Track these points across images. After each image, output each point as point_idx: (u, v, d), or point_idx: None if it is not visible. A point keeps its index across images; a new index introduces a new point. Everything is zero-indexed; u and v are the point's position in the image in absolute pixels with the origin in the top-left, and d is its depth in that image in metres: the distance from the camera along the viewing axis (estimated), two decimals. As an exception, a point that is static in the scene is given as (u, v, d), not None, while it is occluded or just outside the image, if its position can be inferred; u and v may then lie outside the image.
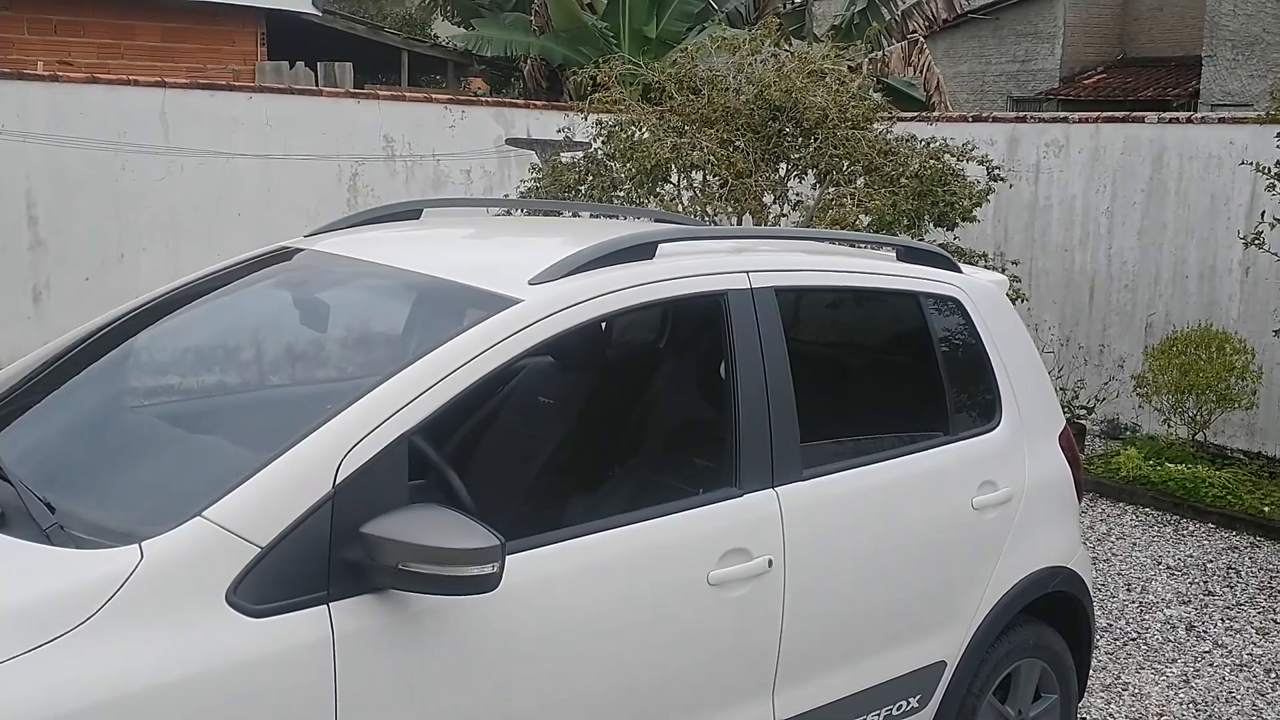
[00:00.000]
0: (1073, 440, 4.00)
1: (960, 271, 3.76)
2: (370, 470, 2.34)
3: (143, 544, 2.17)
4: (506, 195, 9.77)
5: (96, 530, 2.26)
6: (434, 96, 10.61)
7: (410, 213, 3.74)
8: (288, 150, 9.20)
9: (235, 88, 9.39)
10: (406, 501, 2.39)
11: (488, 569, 2.27)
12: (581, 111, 8.18)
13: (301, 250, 3.37)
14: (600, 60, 8.44)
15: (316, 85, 11.01)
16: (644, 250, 2.95)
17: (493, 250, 3.48)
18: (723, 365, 3.07)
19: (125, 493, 2.52)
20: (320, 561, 2.28)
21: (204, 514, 2.22)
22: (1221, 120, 8.82)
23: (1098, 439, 8.92)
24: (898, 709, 3.34)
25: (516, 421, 3.46)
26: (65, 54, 10.78)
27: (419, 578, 2.27)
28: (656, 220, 4.25)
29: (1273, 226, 6.96)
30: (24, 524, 2.28)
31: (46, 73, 8.92)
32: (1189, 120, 9.06)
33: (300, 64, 11.61)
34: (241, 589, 2.21)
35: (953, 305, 3.65)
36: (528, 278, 2.77)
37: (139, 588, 2.13)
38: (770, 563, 2.94)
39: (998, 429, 3.65)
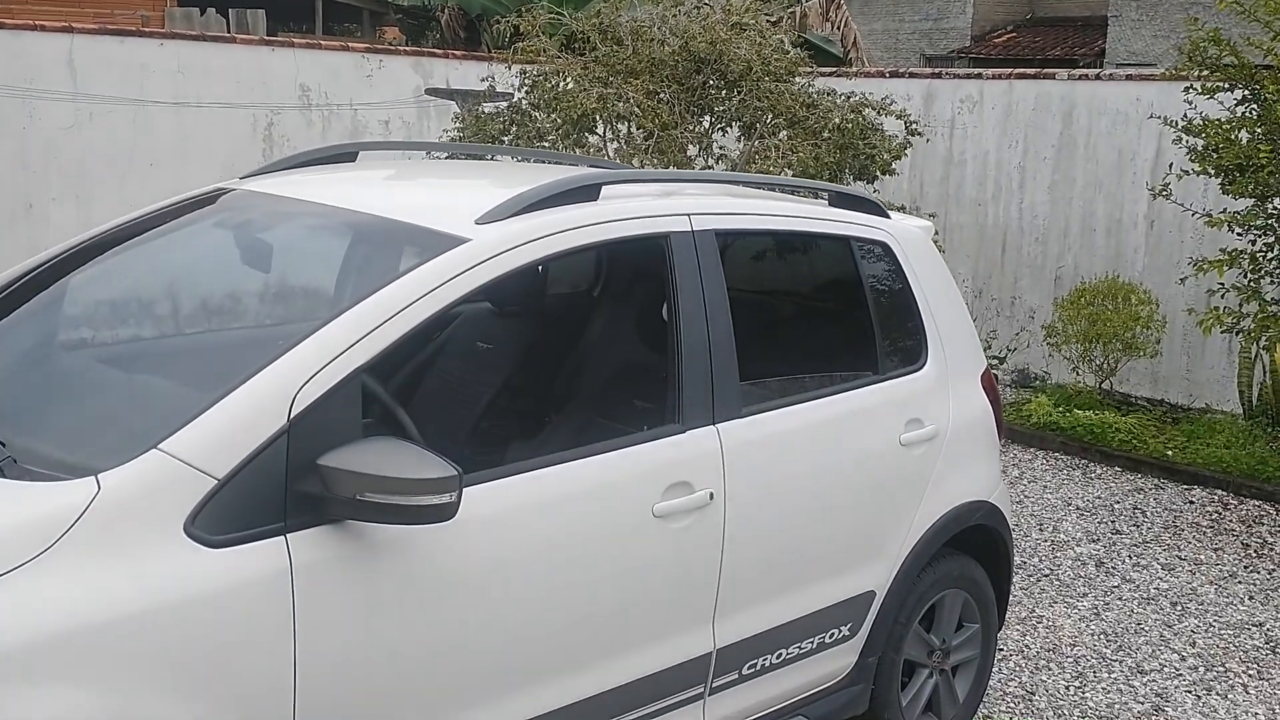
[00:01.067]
0: (993, 381, 4.15)
1: (889, 217, 3.87)
2: (325, 404, 2.37)
3: (99, 476, 2.18)
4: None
5: (51, 464, 2.26)
6: (350, 45, 10.44)
7: (346, 155, 3.73)
8: (201, 99, 9.01)
9: (146, 34, 9.15)
10: (360, 436, 2.42)
11: (445, 498, 2.32)
12: (504, 61, 8.14)
13: (239, 190, 3.35)
14: (523, 9, 8.39)
15: (229, 32, 10.76)
16: (589, 192, 3.00)
17: (436, 191, 3.49)
18: (665, 306, 3.14)
19: (77, 429, 2.52)
20: (277, 493, 2.31)
21: (160, 446, 2.23)
22: (1129, 78, 9.07)
23: (1009, 388, 9.19)
24: (830, 637, 3.46)
25: (465, 360, 3.50)
26: (-35, -3, 10.40)
27: (377, 508, 2.31)
28: (590, 167, 4.28)
29: (1180, 179, 7.20)
30: (-26, 459, 2.27)
31: (-53, 16, 8.60)
32: (1098, 77, 9.30)
33: (211, 10, 11.35)
34: (199, 520, 2.23)
35: (882, 249, 3.76)
36: (474, 217, 2.80)
37: (97, 519, 2.14)
38: (711, 495, 3.03)
39: (924, 369, 3.77)
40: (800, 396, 3.43)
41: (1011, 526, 4.18)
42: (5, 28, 8.42)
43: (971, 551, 3.96)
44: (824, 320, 3.96)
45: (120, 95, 8.66)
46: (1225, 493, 7.07)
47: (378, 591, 2.43)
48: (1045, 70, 9.70)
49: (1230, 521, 6.64)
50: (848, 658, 3.57)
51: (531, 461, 2.78)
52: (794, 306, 4.02)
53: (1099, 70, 12.15)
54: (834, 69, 10.48)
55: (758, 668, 3.26)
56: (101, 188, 8.66)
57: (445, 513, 2.34)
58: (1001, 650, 4.81)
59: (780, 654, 3.32)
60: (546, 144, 7.32)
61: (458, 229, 2.77)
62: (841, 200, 3.77)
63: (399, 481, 2.29)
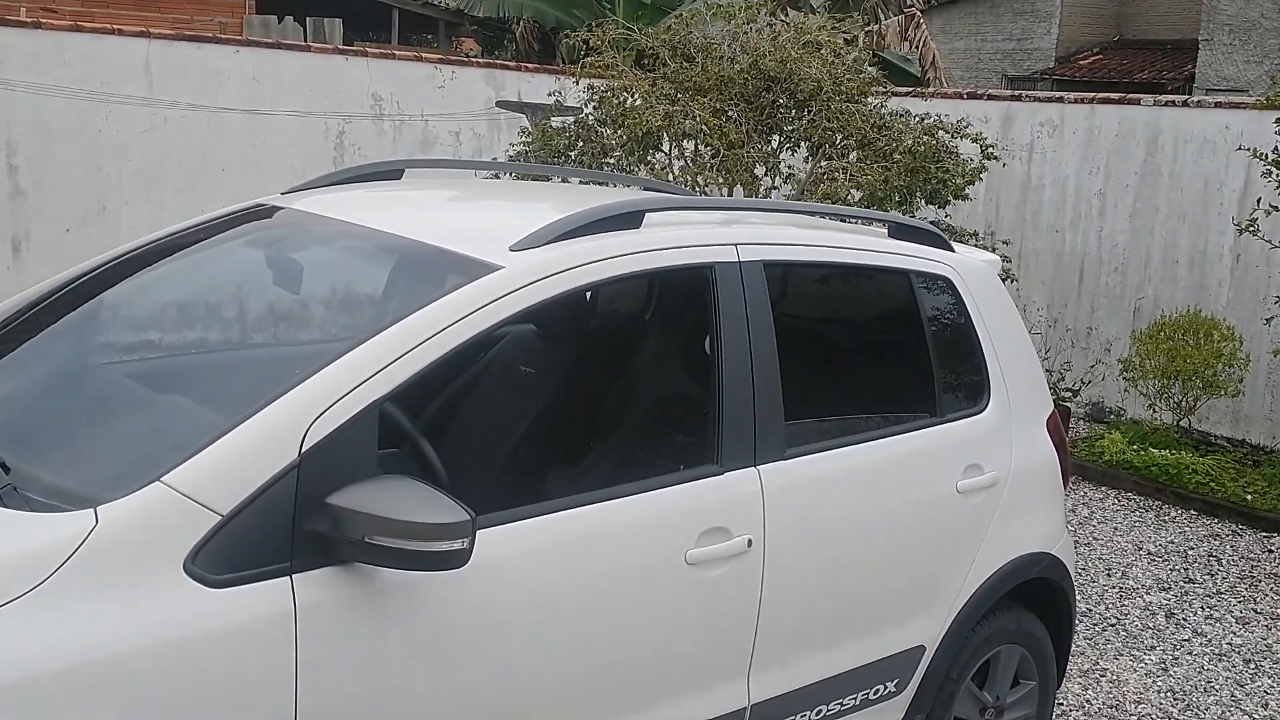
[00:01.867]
0: (1060, 425, 3.94)
1: (952, 250, 3.69)
2: (338, 439, 2.26)
3: (98, 509, 2.09)
4: (494, 158, 9.64)
5: (52, 493, 2.18)
6: (424, 56, 10.44)
7: (392, 172, 3.64)
8: (274, 106, 9.05)
9: (222, 40, 9.21)
10: (376, 472, 2.31)
11: (457, 544, 2.20)
12: (574, 76, 8.06)
13: (279, 208, 3.27)
14: (594, 24, 8.31)
15: (305, 41, 10.83)
16: (630, 219, 2.86)
17: (474, 214, 3.38)
18: (708, 340, 2.99)
19: (84, 455, 2.44)
20: (283, 532, 2.20)
21: (163, 479, 2.14)
22: (1218, 105, 8.74)
23: (1082, 422, 8.89)
24: (875, 693, 3.29)
25: (494, 392, 3.38)
26: (49, 1, 10.58)
27: (385, 551, 2.19)
28: (645, 189, 4.15)
29: (1269, 213, 6.89)
30: (-23, 485, 2.19)
31: (29, 19, 8.73)
32: (1185, 104, 8.98)
33: (289, 19, 11.43)
34: (201, 558, 2.13)
35: (943, 284, 3.58)
36: (509, 244, 2.68)
37: (93, 554, 2.05)
38: (750, 542, 2.87)
39: (985, 411, 3.58)
40: (850, 438, 3.25)
41: (1077, 573, 3.98)
42: (84, 30, 8.53)
43: (1031, 605, 3.76)
44: (879, 358, 3.78)
45: (195, 101, 8.73)
46: (1308, 543, 6.75)
47: (385, 637, 2.31)
48: (1129, 96, 9.40)
49: (1312, 574, 6.32)
50: (894, 715, 3.39)
51: (558, 500, 2.65)
52: (847, 343, 3.84)
53: (1186, 96, 11.78)
54: (909, 89, 10.26)
55: (796, 724, 3.09)
56: (172, 191, 8.73)
57: (456, 560, 2.21)
58: (1060, 705, 4.58)
59: (820, 710, 3.15)
60: (611, 160, 7.22)
61: (491, 255, 2.65)
62: (901, 231, 3.60)
63: (408, 525, 2.17)
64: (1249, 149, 7.07)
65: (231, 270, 3.19)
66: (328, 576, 2.24)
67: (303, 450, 2.22)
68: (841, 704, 3.19)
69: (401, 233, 2.94)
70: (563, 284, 2.66)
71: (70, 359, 2.96)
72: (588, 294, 3.31)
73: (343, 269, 3.11)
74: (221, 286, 3.16)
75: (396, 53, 10.68)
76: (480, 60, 11.25)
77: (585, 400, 3.43)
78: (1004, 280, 4.16)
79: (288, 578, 2.20)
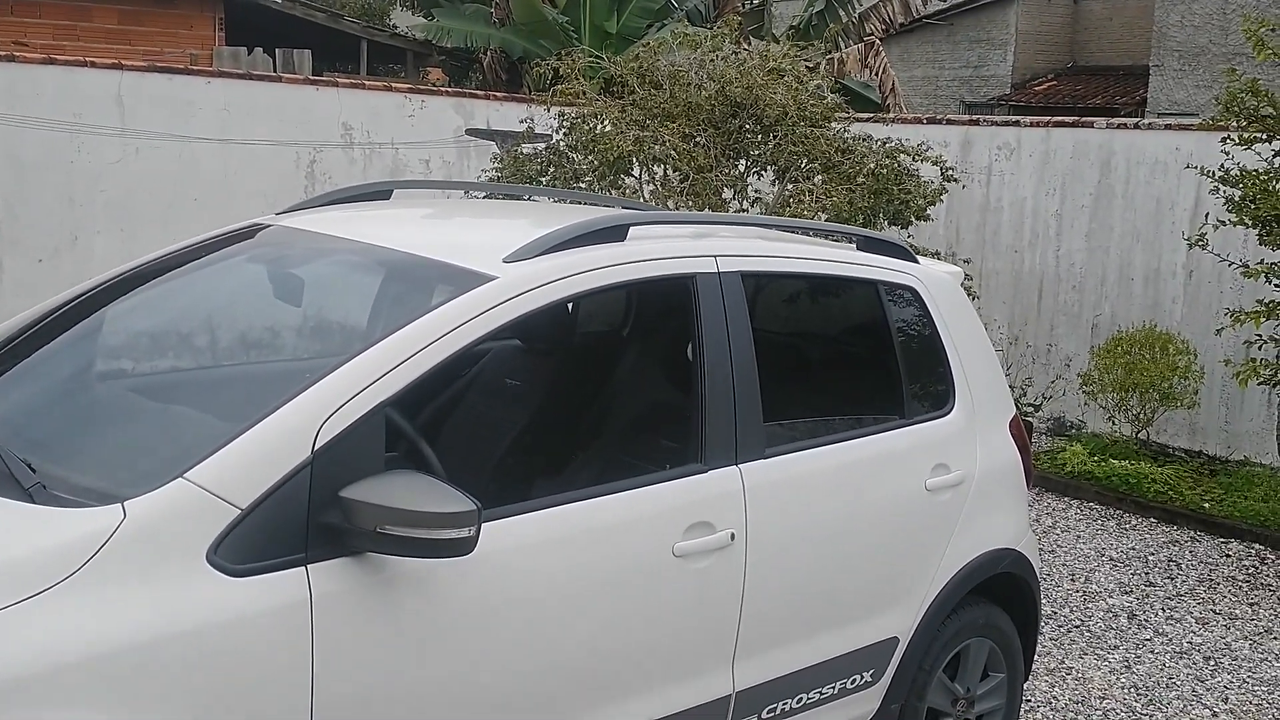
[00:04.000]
0: (1022, 427, 4.12)
1: (917, 262, 3.87)
2: (348, 437, 2.40)
3: (126, 503, 2.22)
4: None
5: (79, 490, 2.30)
6: (394, 85, 10.59)
7: (380, 193, 3.79)
8: (246, 136, 9.16)
9: (194, 71, 9.33)
10: (383, 469, 2.45)
11: (464, 532, 2.34)
12: (543, 104, 8.23)
13: (273, 227, 3.41)
14: (563, 53, 8.50)
15: (275, 72, 10.96)
16: (616, 232, 3.03)
17: (465, 229, 3.54)
18: (690, 346, 3.15)
19: (106, 456, 2.56)
20: (299, 524, 2.33)
21: (186, 475, 2.27)
22: (1168, 126, 9.05)
23: (1044, 436, 9.11)
24: (852, 682, 3.44)
25: (490, 396, 3.53)
26: (21, 34, 10.66)
27: (396, 540, 2.33)
28: (624, 209, 4.32)
29: (1216, 228, 7.16)
30: (5, 484, 2.31)
31: (2, 53, 8.81)
32: (1136, 126, 9.28)
33: (259, 50, 11.55)
34: (222, 549, 2.26)
35: (910, 294, 3.76)
36: (502, 256, 2.84)
37: (122, 546, 2.17)
38: (733, 536, 3.02)
39: (951, 414, 3.76)
40: (825, 439, 3.42)
41: (1042, 576, 4.14)
42: (57, 63, 8.61)
43: (998, 600, 3.92)
44: (850, 363, 3.96)
45: (167, 131, 8.82)
46: (1263, 546, 6.97)
47: (396, 624, 2.45)
48: (1083, 120, 9.69)
49: (1267, 576, 6.53)
50: (870, 704, 3.54)
51: (553, 497, 2.80)
52: (820, 349, 4.02)
53: (1138, 119, 12.11)
54: (871, 115, 10.52)
55: (777, 712, 3.24)
56: (146, 222, 8.80)
57: (463, 547, 2.35)
58: (1029, 701, 4.75)
59: (801, 698, 3.29)
60: (583, 185, 7.39)
61: (486, 266, 2.80)
62: (870, 244, 3.79)
63: (418, 515, 2.31)
64: (1197, 168, 7.34)
65: (233, 286, 3.32)
66: (341, 567, 2.38)
67: (315, 447, 2.36)
68: (821, 692, 3.34)
69: (398, 247, 3.09)
70: (554, 293, 2.82)
71: (81, 372, 3.07)
72: (574, 304, 3.47)
73: (342, 282, 3.25)
74: (224, 302, 3.29)
75: (366, 83, 10.83)
76: (450, 89, 11.41)
77: (575, 403, 3.59)
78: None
79: (303, 568, 2.33)
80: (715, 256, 3.18)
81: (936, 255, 7.97)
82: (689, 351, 3.16)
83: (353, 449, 2.41)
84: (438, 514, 2.32)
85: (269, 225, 3.43)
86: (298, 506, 2.34)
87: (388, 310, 2.94)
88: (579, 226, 2.96)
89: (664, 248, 3.13)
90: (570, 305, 3.39)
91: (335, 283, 3.26)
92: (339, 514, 2.35)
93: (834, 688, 3.38)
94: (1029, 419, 8.67)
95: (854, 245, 3.80)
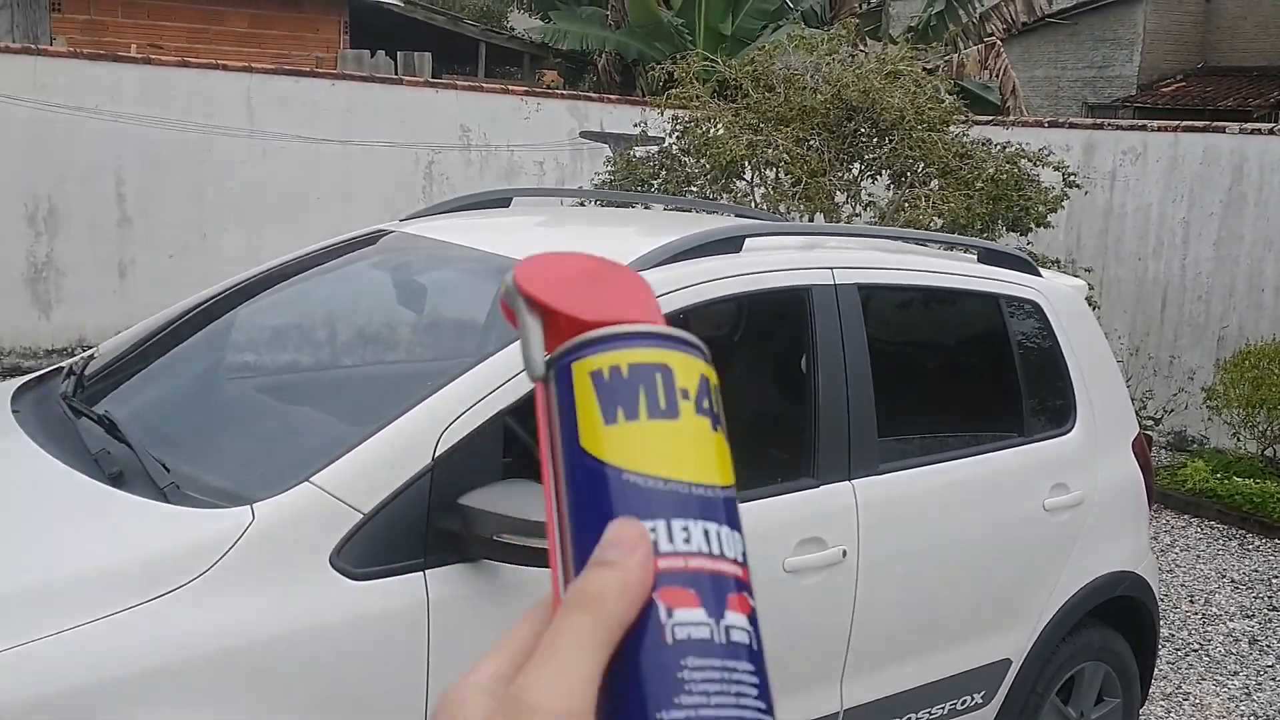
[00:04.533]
0: (1145, 446, 4.02)
1: (1040, 275, 3.80)
2: (468, 445, 2.45)
3: (254, 505, 2.29)
4: (580, 187, 9.89)
5: (210, 491, 2.38)
6: (510, 88, 10.75)
7: (500, 200, 3.85)
8: (367, 137, 9.38)
9: (318, 74, 9.58)
10: (501, 476, 2.49)
11: (578, 544, 2.36)
12: (656, 106, 8.26)
13: (396, 233, 3.48)
14: (677, 56, 8.51)
15: (397, 74, 11.19)
16: (732, 244, 3.03)
17: (583, 238, 3.57)
18: (804, 359, 3.14)
19: (235, 458, 2.65)
20: (418, 530, 2.39)
21: (312, 480, 2.34)
22: (1305, 132, 8.71)
23: (1164, 450, 8.85)
24: (962, 703, 3.39)
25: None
26: (157, 38, 11.07)
27: (513, 549, 2.37)
28: (738, 216, 4.32)
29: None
30: (142, 483, 2.41)
31: (139, 55, 9.17)
32: (1271, 131, 8.95)
33: (381, 53, 11.81)
34: (344, 552, 2.32)
35: (1031, 308, 3.69)
36: (621, 266, 2.85)
37: (250, 546, 2.25)
38: (844, 553, 3.00)
39: (1072, 432, 3.68)
40: (941, 455, 3.38)
41: (1160, 597, 4.04)
42: (190, 66, 8.92)
43: (1115, 623, 3.83)
44: (969, 378, 3.90)
45: (292, 132, 9.08)
46: (1396, 573, 6.68)
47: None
48: (1214, 124, 9.38)
49: (1402, 604, 6.26)
50: (981, 725, 3.49)
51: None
52: (938, 363, 3.97)
53: (1273, 124, 11.69)
54: (990, 118, 10.32)
55: (886, 730, 3.21)
56: (270, 219, 9.07)
57: (578, 558, 2.38)
58: (1145, 726, 4.63)
59: (910, 718, 3.26)
60: (695, 189, 7.40)
61: (604, 277, 2.82)
62: (990, 257, 3.72)
63: (534, 524, 2.34)
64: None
65: (357, 291, 3.40)
66: (458, 572, 2.42)
67: (436, 455, 2.41)
68: (930, 712, 3.30)
69: (514, 255, 3.13)
70: (671, 304, 2.83)
71: (211, 374, 3.19)
72: (693, 314, 3.48)
73: (463, 290, 3.31)
74: (349, 307, 3.38)
75: (484, 85, 11.00)
76: (564, 92, 11.53)
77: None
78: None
79: (422, 573, 2.39)
80: (831, 269, 3.16)
81: (1056, 263, 7.81)
82: (803, 364, 3.14)
83: (472, 456, 2.45)
84: (553, 524, 2.34)
85: (393, 231, 3.50)
86: (418, 512, 2.39)
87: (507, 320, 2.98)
88: (698, 236, 2.97)
89: (780, 259, 3.12)
90: (684, 316, 3.39)
91: (457, 291, 3.32)
92: (458, 520, 2.40)
93: (944, 708, 3.34)
94: (1149, 433, 8.43)
95: (974, 257, 3.74)
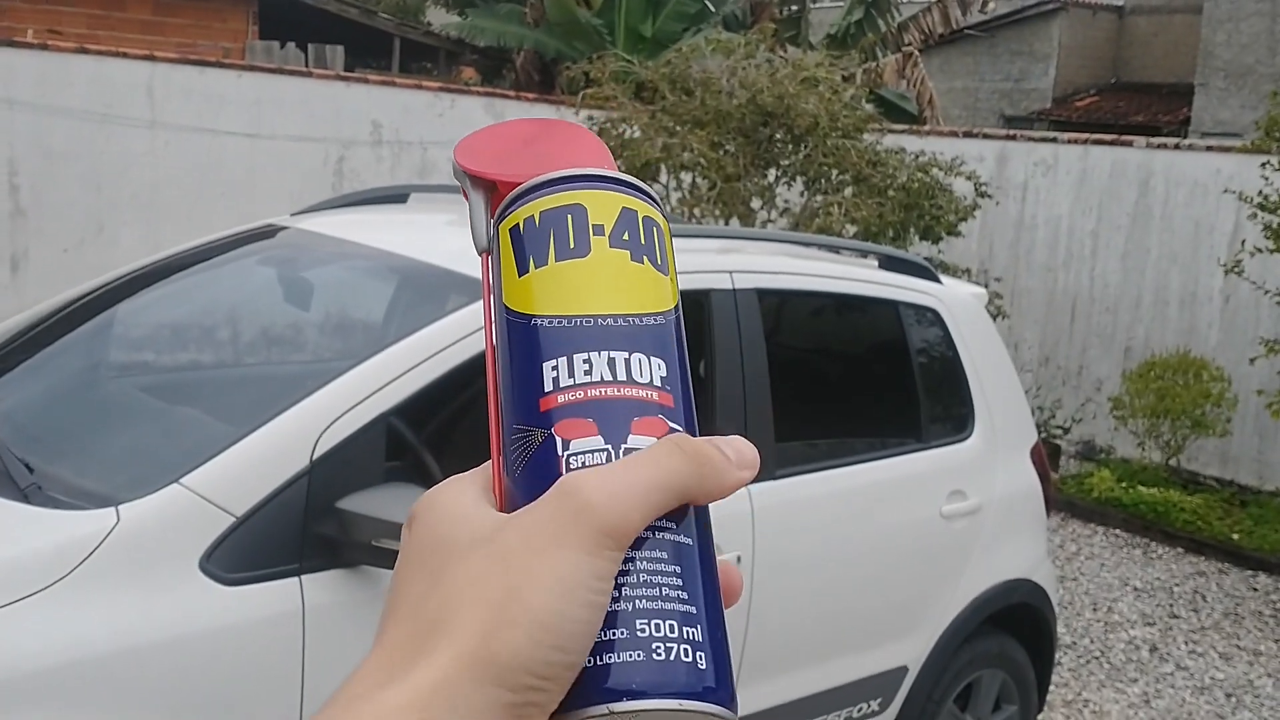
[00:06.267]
0: (1044, 454, 4.04)
1: (940, 282, 3.80)
2: (347, 447, 2.36)
3: (119, 507, 2.18)
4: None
5: (74, 492, 2.27)
6: (424, 84, 10.59)
7: (397, 196, 3.75)
8: (275, 131, 9.18)
9: (225, 65, 9.35)
10: (383, 480, 2.41)
11: (461, 550, 2.29)
12: (573, 106, 8.20)
13: (287, 229, 3.37)
14: (595, 56, 8.46)
15: (307, 67, 10.98)
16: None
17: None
18: (701, 363, 3.10)
19: (103, 458, 2.53)
20: (294, 534, 2.30)
21: (181, 481, 2.23)
22: (1209, 148, 8.90)
23: (1072, 459, 8.98)
24: (858, 711, 3.37)
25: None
26: (55, 23, 10.72)
27: (392, 555, 2.27)
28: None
29: (1253, 255, 7.03)
30: (3, 483, 2.28)
31: (36, 41, 8.87)
32: (1177, 146, 9.14)
33: (291, 45, 11.57)
34: (215, 557, 2.22)
35: (931, 316, 3.69)
36: (515, 265, 2.78)
37: (114, 550, 2.14)
38: (739, 559, 2.96)
39: (970, 439, 3.68)
40: (838, 461, 3.36)
41: (1063, 604, 4.07)
42: (89, 53, 8.65)
43: (1012, 630, 3.84)
44: (867, 385, 3.89)
45: (196, 124, 8.85)
46: (1291, 581, 6.84)
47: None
48: (1122, 138, 9.56)
49: (1294, 611, 6.41)
50: (877, 733, 3.47)
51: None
52: (837, 369, 3.95)
53: (1179, 139, 11.96)
54: (906, 127, 10.42)
55: (781, 739, 3.18)
56: (170, 213, 8.82)
57: (459, 564, 2.30)
58: (1043, 732, 4.65)
59: (805, 725, 3.23)
60: (610, 190, 7.34)
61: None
62: (892, 263, 3.72)
63: (414, 530, 2.26)
64: (1236, 192, 7.22)
65: (243, 288, 3.29)
66: (335, 578, 2.33)
67: (314, 457, 2.32)
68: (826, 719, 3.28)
69: (407, 253, 3.04)
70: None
71: (86, 371, 3.06)
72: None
73: (351, 288, 3.21)
74: (234, 304, 3.26)
75: (397, 80, 10.84)
76: (480, 89, 11.40)
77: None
78: (995, 317, 4.28)
79: (297, 578, 2.29)
80: (730, 272, 3.12)
81: (968, 273, 7.90)
82: (700, 369, 3.10)
83: (352, 459, 2.37)
84: (434, 530, 2.27)
85: (285, 227, 3.39)
86: (293, 516, 2.30)
87: (394, 318, 2.89)
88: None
89: (679, 262, 3.06)
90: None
91: (346, 288, 3.22)
92: (335, 525, 2.31)
93: (841, 715, 3.31)
94: (1057, 442, 8.56)
95: (875, 264, 3.73)
